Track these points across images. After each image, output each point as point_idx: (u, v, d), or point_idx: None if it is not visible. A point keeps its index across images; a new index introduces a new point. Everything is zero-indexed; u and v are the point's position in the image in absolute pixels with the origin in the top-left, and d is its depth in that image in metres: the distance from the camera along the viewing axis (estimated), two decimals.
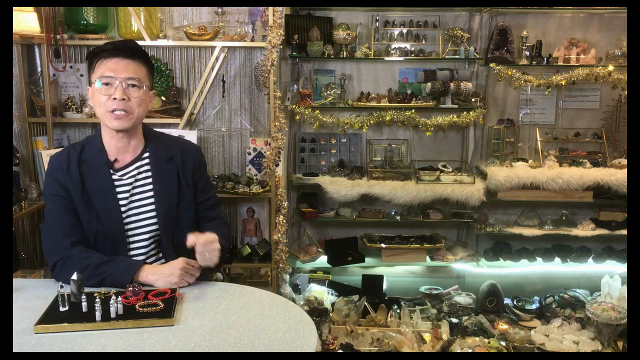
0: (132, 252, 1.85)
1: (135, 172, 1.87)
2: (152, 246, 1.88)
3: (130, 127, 1.81)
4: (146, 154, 1.90)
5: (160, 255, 1.90)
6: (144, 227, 1.86)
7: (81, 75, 3.10)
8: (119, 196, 1.83)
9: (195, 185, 1.96)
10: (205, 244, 1.70)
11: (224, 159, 3.28)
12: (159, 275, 1.66)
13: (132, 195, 1.85)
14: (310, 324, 1.46)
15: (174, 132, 2.83)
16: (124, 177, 1.86)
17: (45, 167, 2.84)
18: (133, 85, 1.77)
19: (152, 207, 1.86)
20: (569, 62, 3.42)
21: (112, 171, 1.84)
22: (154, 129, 2.01)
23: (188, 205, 1.92)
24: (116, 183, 1.84)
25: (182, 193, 1.91)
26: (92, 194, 1.81)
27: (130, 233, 1.84)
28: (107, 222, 1.80)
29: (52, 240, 1.77)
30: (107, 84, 1.75)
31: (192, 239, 1.69)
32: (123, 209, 1.83)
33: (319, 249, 3.61)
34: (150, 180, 1.88)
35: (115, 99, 1.74)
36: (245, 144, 3.24)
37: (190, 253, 1.99)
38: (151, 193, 1.87)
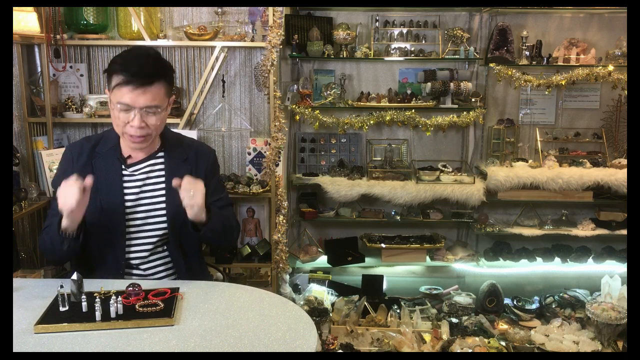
0: (137, 248, 1.86)
1: (147, 169, 1.89)
2: (159, 245, 1.89)
3: (147, 146, 1.85)
4: (161, 154, 1.92)
5: (167, 253, 1.91)
6: (152, 225, 1.87)
7: (81, 75, 3.11)
8: (126, 191, 1.85)
9: (207, 187, 1.96)
10: (189, 182, 1.69)
11: (224, 159, 3.28)
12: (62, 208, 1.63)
13: (142, 192, 1.86)
14: (310, 324, 1.46)
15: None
16: (135, 173, 1.87)
17: (45, 167, 2.85)
18: (151, 112, 1.76)
19: (163, 205, 1.87)
20: (569, 62, 3.42)
21: (123, 166, 1.86)
22: (171, 130, 2.02)
23: None
24: (125, 178, 1.86)
25: None
26: (100, 186, 1.82)
27: (136, 229, 1.85)
28: (109, 216, 1.82)
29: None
30: (125, 110, 1.74)
31: (176, 180, 1.69)
32: (128, 204, 1.84)
33: (319, 249, 3.61)
34: (163, 179, 1.89)
35: (133, 126, 1.75)
36: (245, 144, 3.24)
37: (197, 254, 2.00)
38: (162, 192, 1.88)
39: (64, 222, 1.66)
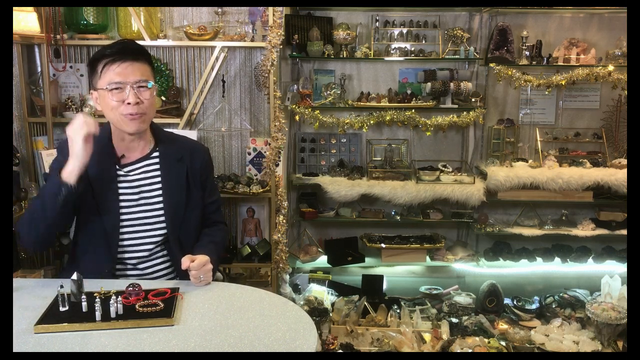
0: (136, 248, 1.86)
1: (142, 169, 1.88)
2: (159, 244, 1.89)
3: (146, 128, 1.85)
4: (155, 154, 1.91)
5: (166, 252, 1.91)
6: (152, 226, 1.86)
7: (81, 75, 3.10)
8: (121, 191, 1.84)
9: (203, 186, 1.97)
10: (198, 267, 1.71)
11: (224, 159, 3.28)
12: (71, 153, 1.67)
13: (138, 192, 1.86)
14: (310, 324, 1.46)
15: (174, 132, 2.83)
16: (130, 174, 1.87)
17: (45, 167, 2.85)
18: (143, 87, 1.78)
19: (160, 205, 1.87)
20: (569, 62, 3.42)
21: (117, 166, 1.86)
22: (164, 129, 2.02)
23: (196, 205, 1.94)
24: (120, 179, 1.85)
25: (191, 193, 1.92)
26: (94, 185, 1.82)
27: (135, 230, 1.85)
28: (104, 215, 1.81)
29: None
30: (117, 88, 1.75)
31: (186, 262, 1.71)
32: (123, 204, 1.84)
33: (319, 249, 3.61)
34: (159, 179, 1.88)
35: (129, 103, 1.75)
36: (245, 144, 3.24)
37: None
38: (159, 192, 1.88)
39: (70, 166, 1.66)
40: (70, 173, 1.67)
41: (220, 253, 1.98)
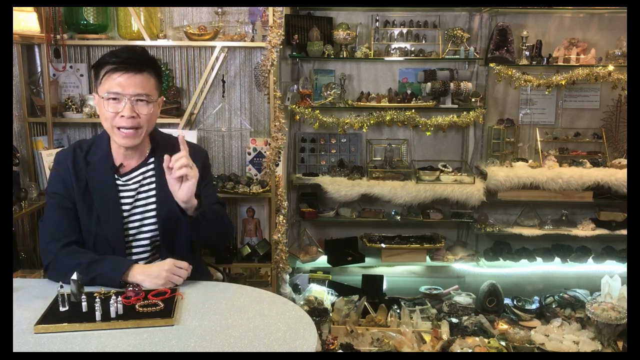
0: (134, 257, 1.84)
1: (140, 177, 1.85)
2: (153, 251, 1.87)
3: (139, 142, 1.78)
4: (152, 159, 1.87)
5: (160, 260, 1.89)
6: (145, 232, 1.84)
7: (81, 75, 3.11)
8: (122, 201, 1.81)
9: (198, 186, 1.93)
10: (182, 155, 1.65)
11: (224, 159, 3.28)
12: (146, 275, 1.64)
13: (136, 200, 1.83)
14: (310, 324, 1.46)
15: (174, 132, 2.83)
16: (129, 183, 1.83)
17: (45, 167, 2.85)
18: (142, 101, 1.72)
19: (154, 212, 1.84)
20: (569, 62, 3.42)
21: (116, 176, 1.82)
22: (162, 132, 1.97)
23: None
24: (120, 188, 1.82)
25: None
26: (95, 197, 1.78)
27: (131, 238, 1.83)
28: (107, 227, 1.79)
29: (46, 240, 1.76)
30: (114, 99, 1.70)
31: (167, 161, 1.65)
32: (125, 214, 1.81)
33: (319, 249, 3.61)
34: (154, 185, 1.85)
35: (123, 116, 1.70)
36: (245, 144, 3.24)
37: (193, 256, 1.98)
38: (154, 199, 1.84)
39: (147, 284, 1.63)
40: (131, 281, 1.64)
41: (217, 216, 1.87)
